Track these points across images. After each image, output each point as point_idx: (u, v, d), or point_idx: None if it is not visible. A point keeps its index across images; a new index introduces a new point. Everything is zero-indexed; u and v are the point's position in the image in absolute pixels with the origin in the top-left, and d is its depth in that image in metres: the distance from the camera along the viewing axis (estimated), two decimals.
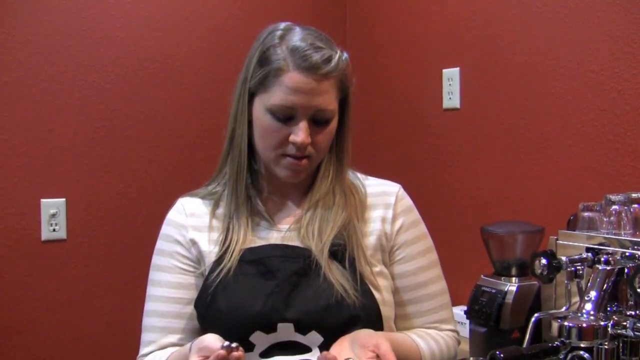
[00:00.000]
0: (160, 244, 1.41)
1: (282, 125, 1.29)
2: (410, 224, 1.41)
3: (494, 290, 1.69)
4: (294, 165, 1.31)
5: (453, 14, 2.28)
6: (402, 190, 1.44)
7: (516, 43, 2.06)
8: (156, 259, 1.40)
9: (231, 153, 1.38)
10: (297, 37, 1.29)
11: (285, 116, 1.28)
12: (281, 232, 1.36)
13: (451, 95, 2.29)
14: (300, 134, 1.27)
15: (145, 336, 1.38)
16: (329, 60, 1.27)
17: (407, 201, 1.44)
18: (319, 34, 1.32)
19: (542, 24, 1.98)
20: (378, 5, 2.62)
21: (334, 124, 1.33)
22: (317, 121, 1.30)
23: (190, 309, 1.35)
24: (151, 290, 1.39)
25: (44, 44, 2.26)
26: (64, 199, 2.30)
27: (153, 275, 1.40)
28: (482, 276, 1.77)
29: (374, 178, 1.47)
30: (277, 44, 1.29)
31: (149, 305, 1.39)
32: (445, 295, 1.44)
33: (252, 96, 1.33)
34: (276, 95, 1.27)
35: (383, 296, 1.33)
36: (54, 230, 2.28)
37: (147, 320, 1.38)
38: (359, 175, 1.46)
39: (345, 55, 1.33)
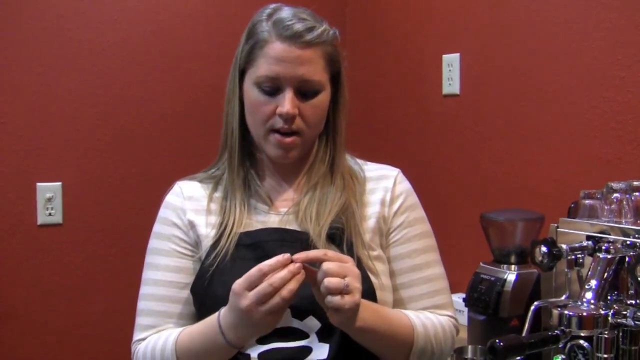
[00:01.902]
0: (157, 227, 1.39)
1: (269, 98, 1.28)
2: (408, 207, 1.39)
3: (493, 278, 1.68)
4: (281, 142, 1.30)
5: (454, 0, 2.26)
6: (401, 174, 1.43)
7: (517, 29, 2.04)
8: (154, 243, 1.38)
9: (227, 134, 1.37)
10: (284, 13, 1.29)
11: (272, 88, 1.28)
12: (279, 215, 1.35)
13: (451, 81, 2.27)
14: (285, 104, 1.26)
15: (141, 320, 1.36)
16: (311, 29, 1.27)
17: (406, 184, 1.42)
18: (309, 11, 1.32)
19: (543, 10, 1.96)
20: None
21: (323, 97, 1.32)
22: (305, 93, 1.29)
23: (186, 293, 1.33)
24: (148, 274, 1.37)
25: (42, 28, 2.24)
26: (60, 183, 2.28)
27: (150, 258, 1.38)
28: (481, 264, 1.76)
29: (373, 163, 1.45)
30: (264, 19, 1.30)
31: (145, 289, 1.36)
32: (441, 280, 1.40)
33: (242, 74, 1.33)
34: (261, 67, 1.27)
35: (381, 281, 1.31)
36: (49, 214, 2.26)
37: (143, 304, 1.36)
38: (359, 160, 1.44)
39: (333, 30, 1.32)
